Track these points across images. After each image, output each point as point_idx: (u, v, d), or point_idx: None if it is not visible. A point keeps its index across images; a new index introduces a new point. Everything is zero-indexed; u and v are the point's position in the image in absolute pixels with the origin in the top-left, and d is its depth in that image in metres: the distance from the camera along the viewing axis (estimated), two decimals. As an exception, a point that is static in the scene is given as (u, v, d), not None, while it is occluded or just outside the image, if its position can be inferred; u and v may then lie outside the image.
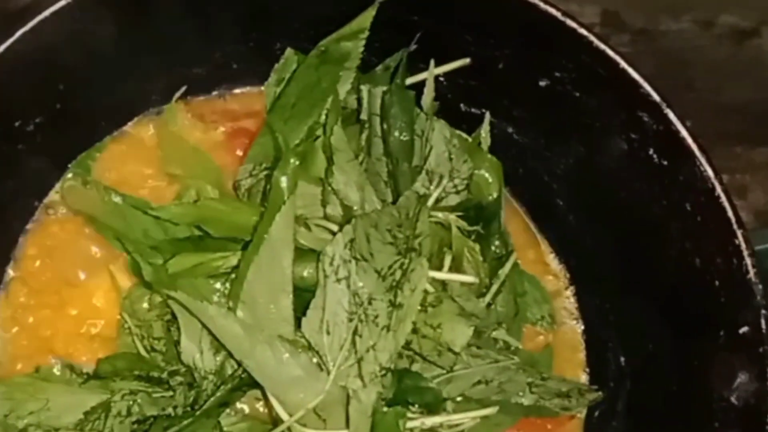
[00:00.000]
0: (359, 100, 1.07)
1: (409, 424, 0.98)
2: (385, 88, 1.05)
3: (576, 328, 1.15)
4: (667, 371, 1.03)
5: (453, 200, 1.04)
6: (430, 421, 1.00)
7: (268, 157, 1.07)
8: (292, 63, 1.11)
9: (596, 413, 1.10)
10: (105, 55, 1.05)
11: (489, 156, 1.10)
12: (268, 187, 1.04)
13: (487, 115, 1.12)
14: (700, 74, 1.46)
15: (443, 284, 1.01)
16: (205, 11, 1.08)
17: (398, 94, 1.04)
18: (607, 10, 1.43)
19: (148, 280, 1.02)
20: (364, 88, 1.05)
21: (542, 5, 0.99)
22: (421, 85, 1.09)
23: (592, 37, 0.98)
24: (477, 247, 1.03)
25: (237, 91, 1.19)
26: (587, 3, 1.41)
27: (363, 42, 1.07)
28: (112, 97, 1.10)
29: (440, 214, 1.02)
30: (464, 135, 1.11)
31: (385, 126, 1.03)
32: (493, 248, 1.07)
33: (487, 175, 1.09)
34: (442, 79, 1.10)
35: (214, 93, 1.18)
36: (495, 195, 1.08)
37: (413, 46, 1.08)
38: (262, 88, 1.15)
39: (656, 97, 0.96)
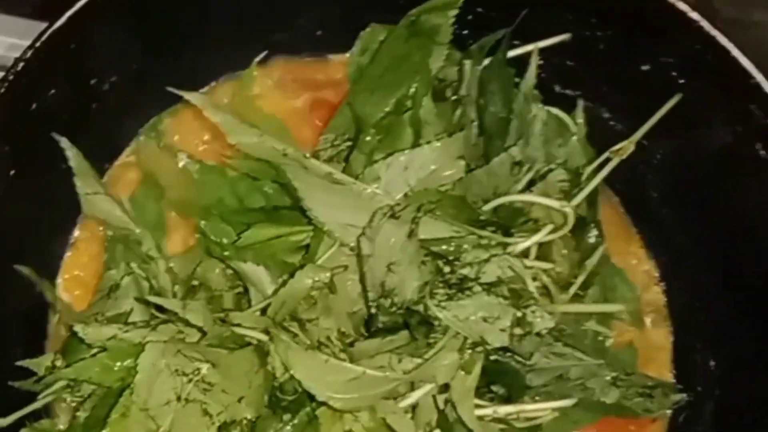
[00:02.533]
0: (460, 76, 1.02)
1: (480, 412, 0.95)
2: (486, 63, 1.01)
3: (664, 326, 1.10)
4: (762, 378, 0.99)
5: (553, 182, 0.99)
6: (503, 410, 0.97)
7: (350, 128, 1.04)
8: (379, 33, 1.09)
9: (681, 418, 1.05)
10: (185, 17, 1.03)
11: (582, 142, 1.05)
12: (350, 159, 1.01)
13: (580, 102, 1.08)
14: (790, 69, 1.39)
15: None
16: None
17: (498, 70, 1.01)
18: (700, -4, 1.37)
19: (213, 252, 0.99)
20: (467, 63, 1.01)
21: (652, -14, 0.94)
22: (513, 60, 1.05)
23: (703, 22, 0.95)
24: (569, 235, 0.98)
25: (320, 59, 1.14)
26: (681, -12, 1.35)
27: (455, 14, 1.03)
28: (190, 59, 1.08)
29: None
30: (561, 114, 1.05)
31: (482, 101, 1.00)
32: (588, 238, 1.02)
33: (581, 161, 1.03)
34: (532, 55, 1.05)
35: (296, 60, 1.14)
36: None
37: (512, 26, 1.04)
38: (346, 55, 1.12)
39: (768, 88, 0.91)
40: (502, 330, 0.89)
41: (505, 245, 0.93)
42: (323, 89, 1.12)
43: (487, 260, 0.91)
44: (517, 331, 0.89)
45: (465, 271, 0.91)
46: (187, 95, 0.98)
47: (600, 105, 1.08)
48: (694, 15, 0.94)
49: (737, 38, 1.38)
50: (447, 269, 0.91)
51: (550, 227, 0.95)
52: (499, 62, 1.02)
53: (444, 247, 0.93)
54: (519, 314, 0.89)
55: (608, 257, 1.05)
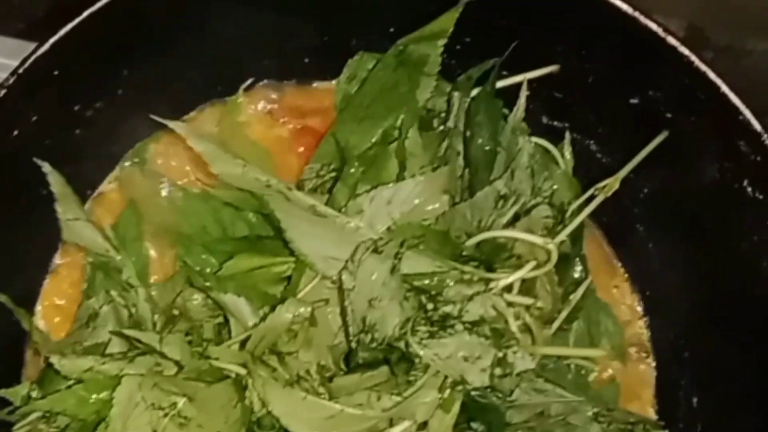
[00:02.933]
0: (449, 107, 1.03)
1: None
2: (474, 94, 1.02)
3: (647, 362, 1.09)
4: (745, 417, 0.98)
5: (537, 218, 0.98)
6: (484, 448, 0.96)
7: (336, 157, 1.03)
8: (368, 61, 1.08)
9: (662, 454, 1.04)
10: (171, 42, 1.03)
11: (568, 176, 1.04)
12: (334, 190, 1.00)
13: (567, 135, 1.07)
14: (784, 97, 1.38)
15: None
16: (279, 2, 1.04)
17: (486, 102, 1.01)
18: (693, 25, 1.37)
19: (194, 281, 0.98)
20: (456, 95, 1.00)
21: (643, 19, 0.95)
22: (500, 90, 1.04)
23: (693, 57, 0.94)
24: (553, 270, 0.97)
25: (307, 86, 1.14)
26: (673, 16, 1.35)
27: (443, 45, 1.03)
28: (175, 85, 1.07)
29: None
30: (549, 147, 1.05)
31: (468, 133, 1.00)
32: (572, 273, 1.01)
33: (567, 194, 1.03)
34: (522, 87, 1.04)
35: (283, 87, 1.14)
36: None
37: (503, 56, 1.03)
38: (333, 83, 1.11)
39: (757, 125, 0.92)
40: (483, 370, 0.88)
41: (487, 281, 0.92)
42: (310, 117, 1.11)
43: (470, 298, 0.90)
44: (498, 371, 0.88)
45: (448, 308, 0.90)
46: (171, 124, 0.97)
47: (588, 137, 1.07)
48: (684, 50, 0.94)
49: (729, 66, 1.39)
50: (430, 306, 0.90)
51: (533, 264, 0.94)
52: (487, 94, 1.01)
53: (426, 281, 0.92)
54: (500, 354, 0.89)
55: (594, 291, 1.05)
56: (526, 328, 0.94)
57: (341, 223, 0.92)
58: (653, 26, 0.94)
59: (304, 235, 0.92)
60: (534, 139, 1.04)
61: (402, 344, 0.89)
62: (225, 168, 0.95)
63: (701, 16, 1.38)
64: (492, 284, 0.92)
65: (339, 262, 0.91)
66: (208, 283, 0.96)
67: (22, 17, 1.31)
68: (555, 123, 1.08)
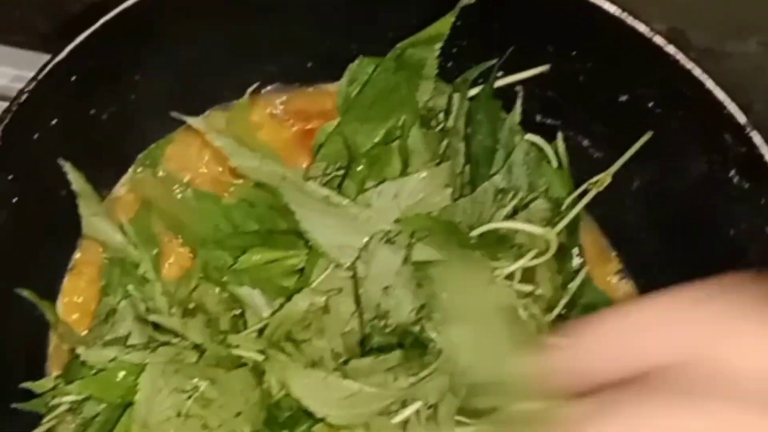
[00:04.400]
0: (448, 108, 1.09)
1: (462, 430, 0.97)
2: (473, 94, 1.08)
3: (641, 347, 1.14)
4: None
5: (536, 211, 1.05)
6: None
7: (341, 156, 1.09)
8: (368, 65, 1.13)
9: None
10: (180, 49, 1.08)
11: (562, 172, 1.12)
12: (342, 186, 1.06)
13: (560, 135, 1.14)
14: (761, 97, 1.45)
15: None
16: (282, 9, 1.10)
17: (485, 102, 1.07)
18: (674, 28, 1.43)
19: (210, 276, 1.04)
20: (456, 96, 1.07)
21: (630, 20, 1.01)
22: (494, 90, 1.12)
23: (678, 56, 1.01)
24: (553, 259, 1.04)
25: (310, 90, 1.20)
26: (655, 20, 1.41)
27: (439, 48, 1.09)
28: (184, 89, 1.12)
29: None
30: (543, 144, 1.13)
31: (468, 130, 1.06)
32: (570, 263, 1.08)
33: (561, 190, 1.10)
34: (518, 89, 1.11)
35: (287, 91, 1.19)
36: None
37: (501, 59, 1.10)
38: (336, 86, 1.16)
39: (741, 118, 0.98)
40: None
41: (492, 269, 0.99)
42: (314, 119, 1.17)
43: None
44: None
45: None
46: (190, 120, 1.03)
47: (580, 134, 1.14)
48: (670, 49, 1.00)
49: (709, 68, 1.45)
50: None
51: (534, 252, 1.01)
52: (487, 95, 1.09)
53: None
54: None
55: (591, 280, 1.12)
56: (533, 318, 1.01)
57: (354, 213, 0.98)
58: (640, 27, 1.00)
59: (319, 226, 0.98)
60: (529, 136, 1.11)
61: (417, 329, 0.95)
62: (243, 161, 1.01)
63: (682, 19, 1.44)
64: (497, 272, 0.99)
65: (353, 250, 0.97)
66: (225, 279, 1.02)
67: (21, 30, 1.36)
68: (548, 121, 1.14)
